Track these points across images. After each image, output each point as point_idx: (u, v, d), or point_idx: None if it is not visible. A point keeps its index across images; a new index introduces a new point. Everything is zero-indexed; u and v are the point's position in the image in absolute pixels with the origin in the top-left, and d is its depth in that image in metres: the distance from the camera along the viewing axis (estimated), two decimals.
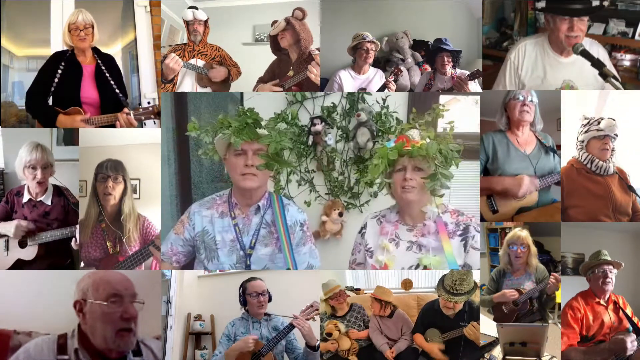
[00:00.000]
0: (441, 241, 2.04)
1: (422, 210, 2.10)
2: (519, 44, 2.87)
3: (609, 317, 2.52)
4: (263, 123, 2.17)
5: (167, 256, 2.25)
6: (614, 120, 2.59)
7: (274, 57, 3.04)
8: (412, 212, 2.12)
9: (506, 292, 2.65)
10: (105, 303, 1.74)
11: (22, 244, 2.59)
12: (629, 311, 2.55)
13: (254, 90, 3.01)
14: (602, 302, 2.54)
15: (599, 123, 2.61)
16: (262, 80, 3.04)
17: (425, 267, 2.06)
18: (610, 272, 2.53)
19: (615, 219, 2.61)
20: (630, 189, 2.65)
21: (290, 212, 2.21)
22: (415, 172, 2.03)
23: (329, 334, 2.64)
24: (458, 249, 2.07)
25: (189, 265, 2.34)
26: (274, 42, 2.98)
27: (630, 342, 2.40)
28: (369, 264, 2.16)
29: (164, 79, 2.91)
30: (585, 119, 2.67)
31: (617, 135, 2.61)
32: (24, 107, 2.81)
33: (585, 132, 2.64)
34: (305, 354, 2.45)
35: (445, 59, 3.03)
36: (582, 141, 2.66)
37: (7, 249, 2.58)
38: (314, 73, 2.81)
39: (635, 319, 2.52)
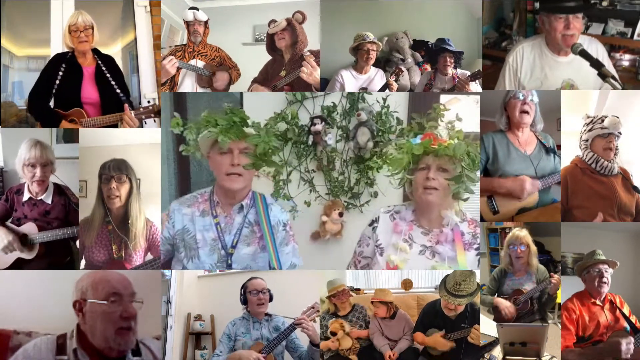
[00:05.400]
0: (456, 252, 2.00)
1: (440, 215, 2.05)
2: (517, 47, 2.86)
3: (605, 316, 2.51)
4: (261, 123, 2.17)
5: None
6: (617, 118, 2.57)
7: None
8: (431, 215, 2.06)
9: (508, 306, 2.63)
10: (105, 302, 1.75)
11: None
12: (625, 310, 2.54)
13: (248, 90, 3.02)
14: (597, 302, 2.53)
15: (602, 121, 2.59)
16: (256, 81, 3.04)
17: None
18: (606, 271, 2.52)
19: (619, 219, 2.60)
20: (635, 189, 2.64)
21: (273, 212, 2.19)
22: (439, 172, 1.97)
23: (334, 333, 2.61)
24: (472, 262, 2.04)
25: (166, 264, 2.32)
26: (271, 40, 2.99)
27: (626, 345, 2.36)
28: (378, 260, 2.10)
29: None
30: (589, 117, 2.65)
31: (620, 134, 2.59)
32: (24, 107, 2.82)
33: (589, 130, 2.62)
34: (310, 352, 2.45)
35: (448, 59, 3.03)
36: (587, 140, 2.64)
37: None
38: (305, 72, 2.81)
39: (633, 318, 2.52)
